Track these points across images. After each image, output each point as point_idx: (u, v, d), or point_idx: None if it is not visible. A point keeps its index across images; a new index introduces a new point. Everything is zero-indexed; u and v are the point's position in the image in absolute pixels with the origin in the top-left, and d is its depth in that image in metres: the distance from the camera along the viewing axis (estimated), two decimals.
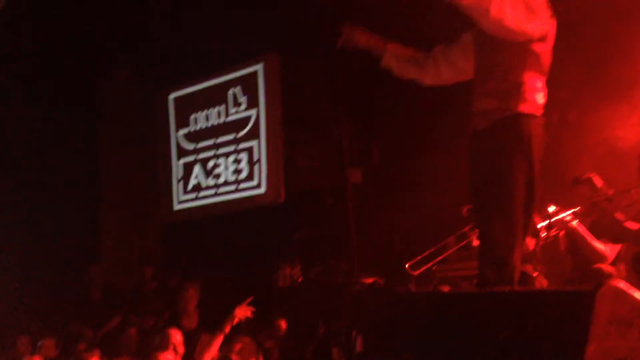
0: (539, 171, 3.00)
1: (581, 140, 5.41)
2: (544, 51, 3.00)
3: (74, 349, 5.42)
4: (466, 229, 4.76)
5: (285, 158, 7.69)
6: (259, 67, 8.03)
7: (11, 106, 8.10)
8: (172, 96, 9.01)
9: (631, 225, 4.15)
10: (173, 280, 7.52)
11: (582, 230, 4.20)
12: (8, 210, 7.86)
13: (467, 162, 3.15)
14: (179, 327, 5.01)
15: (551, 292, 3.08)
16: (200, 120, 8.66)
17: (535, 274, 4.14)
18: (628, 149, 4.98)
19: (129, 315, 6.84)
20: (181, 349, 4.53)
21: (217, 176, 8.42)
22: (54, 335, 5.85)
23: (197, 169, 8.67)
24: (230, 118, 8.33)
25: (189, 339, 4.75)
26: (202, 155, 8.63)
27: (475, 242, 4.31)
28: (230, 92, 8.32)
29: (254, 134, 8.02)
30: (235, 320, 4.11)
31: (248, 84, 8.13)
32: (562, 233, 4.28)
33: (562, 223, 4.13)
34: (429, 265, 4.78)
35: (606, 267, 4.05)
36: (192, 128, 8.78)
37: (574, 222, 4.14)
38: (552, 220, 4.11)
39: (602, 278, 3.75)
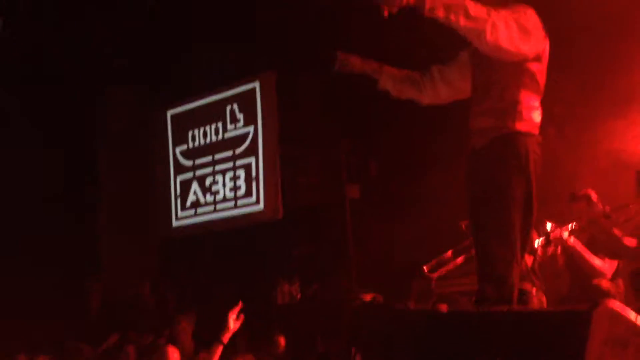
0: (537, 189, 3.02)
1: (578, 156, 5.44)
2: (539, 70, 3.03)
3: None
4: (465, 243, 4.77)
5: (283, 174, 7.71)
6: (256, 84, 8.07)
7: (9, 125, 8.12)
8: (169, 113, 9.05)
9: (629, 241, 4.16)
10: (171, 296, 7.51)
11: (580, 246, 4.21)
12: (6, 225, 7.86)
13: (465, 180, 3.17)
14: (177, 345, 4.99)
15: (547, 312, 3.09)
16: (198, 137, 8.69)
17: (534, 290, 4.15)
18: (625, 164, 5.00)
19: (127, 332, 6.81)
20: None
21: (215, 193, 8.43)
22: (51, 352, 5.81)
23: (195, 185, 8.68)
24: (228, 135, 8.35)
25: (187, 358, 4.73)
26: (200, 172, 8.64)
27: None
28: (228, 109, 8.36)
29: (251, 150, 8.04)
30: (230, 329, 4.07)
31: (245, 101, 8.17)
32: (559, 249, 4.29)
33: (560, 239, 4.14)
34: (446, 268, 4.77)
35: (604, 283, 4.06)
36: (190, 145, 8.80)
37: (571, 239, 4.15)
38: (550, 236, 4.12)
39: (600, 294, 3.76)
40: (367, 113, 7.00)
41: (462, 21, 2.76)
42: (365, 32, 5.48)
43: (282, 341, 5.87)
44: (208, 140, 8.59)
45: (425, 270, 4.77)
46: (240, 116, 8.25)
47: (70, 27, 7.70)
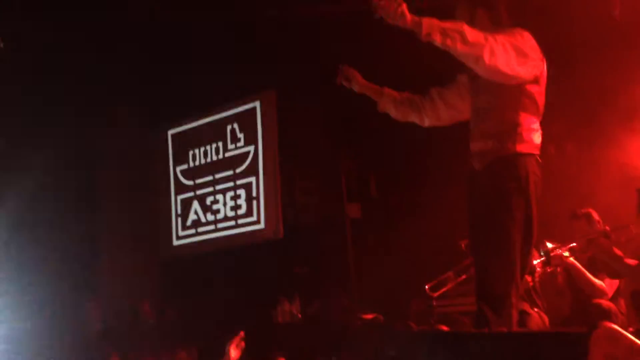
0: (537, 210, 3.03)
1: (578, 174, 5.44)
2: (538, 92, 3.06)
3: None
4: (466, 262, 4.76)
5: (284, 193, 7.71)
6: (256, 104, 8.10)
7: (9, 144, 8.15)
8: (170, 133, 9.08)
9: (630, 261, 4.15)
10: (170, 316, 7.48)
11: (579, 266, 4.20)
12: (5, 247, 7.85)
13: (465, 200, 3.18)
14: None
15: (546, 334, 3.09)
16: (199, 156, 8.71)
17: (535, 311, 4.14)
18: (628, 180, 4.99)
19: (127, 353, 6.78)
20: None
21: (216, 212, 8.43)
22: None
23: (195, 204, 8.69)
24: (229, 154, 8.37)
25: None
26: (200, 191, 8.65)
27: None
28: (229, 128, 8.39)
29: (252, 170, 8.05)
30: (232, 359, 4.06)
31: (246, 121, 8.19)
32: (560, 268, 4.28)
33: (560, 259, 4.14)
34: (447, 287, 4.76)
35: (605, 303, 4.05)
36: (190, 164, 8.82)
37: (571, 258, 4.14)
38: (550, 256, 4.11)
39: (601, 314, 3.75)
40: (367, 132, 7.01)
41: (459, 46, 2.79)
42: (366, 53, 5.52)
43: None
44: (209, 159, 8.60)
45: (427, 290, 4.77)
46: (240, 135, 8.27)
47: (71, 49, 7.75)
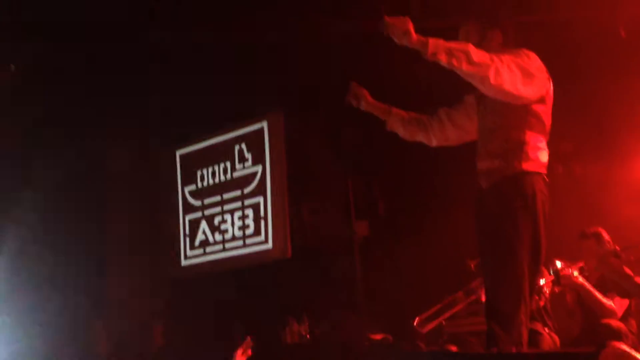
0: (545, 228, 3.03)
1: (587, 193, 5.43)
2: (544, 111, 3.08)
3: None
4: (475, 283, 4.75)
5: (292, 213, 7.72)
6: (264, 124, 8.14)
7: (15, 164, 8.21)
8: (178, 153, 9.13)
9: None
10: (179, 337, 7.45)
11: (588, 285, 4.18)
12: (12, 267, 7.88)
13: (473, 220, 3.19)
14: None
15: (555, 354, 3.07)
16: (207, 176, 8.74)
17: (545, 331, 4.11)
18: (636, 201, 4.98)
19: None
20: None
21: (224, 232, 8.44)
22: None
23: (203, 225, 8.70)
24: (236, 174, 8.40)
25: None
26: (208, 212, 8.67)
27: (484, 298, 4.29)
28: (236, 148, 8.42)
29: (260, 190, 8.07)
30: None
31: (253, 141, 8.23)
32: (569, 288, 4.26)
33: (569, 278, 4.12)
34: (437, 321, 4.74)
35: (615, 323, 4.02)
36: (198, 185, 8.84)
37: (580, 278, 4.12)
38: (559, 275, 4.10)
39: (610, 334, 3.72)
40: (376, 151, 7.04)
41: (465, 66, 2.82)
42: (375, 73, 5.55)
43: None
44: (216, 179, 8.63)
45: (415, 325, 4.74)
46: (248, 156, 8.30)
47: (77, 69, 7.81)
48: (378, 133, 3.71)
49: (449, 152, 3.92)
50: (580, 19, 5.19)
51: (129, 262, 8.83)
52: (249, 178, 8.24)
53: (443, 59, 2.81)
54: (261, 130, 8.21)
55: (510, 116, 3.04)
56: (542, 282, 3.98)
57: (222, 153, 8.60)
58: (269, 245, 7.86)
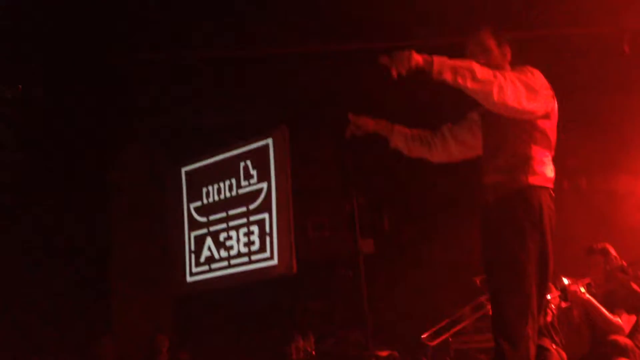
0: (552, 243, 3.02)
1: (594, 209, 5.42)
2: (549, 127, 3.09)
3: None
4: (482, 299, 4.73)
5: (297, 229, 7.72)
6: (269, 141, 8.17)
7: (23, 179, 8.25)
8: (183, 170, 9.16)
9: None
10: (184, 355, 7.43)
11: (596, 301, 4.16)
12: (14, 282, 7.90)
13: (479, 234, 3.18)
14: None
15: None
16: (212, 193, 8.76)
17: (553, 347, 4.09)
18: None
19: None
20: None
21: (230, 248, 8.44)
22: None
23: (209, 241, 8.71)
24: (242, 191, 8.42)
25: None
26: (214, 228, 8.68)
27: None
28: (242, 165, 8.45)
29: (265, 206, 8.08)
30: None
31: (258, 158, 8.25)
32: (576, 304, 4.24)
33: (576, 294, 4.10)
34: (444, 336, 4.72)
35: (622, 339, 3.99)
36: (204, 201, 8.87)
37: (587, 294, 4.10)
38: (567, 291, 4.08)
39: (617, 350, 3.70)
40: (380, 168, 7.05)
41: (470, 84, 2.85)
42: (378, 90, 5.58)
43: None
44: (222, 196, 8.65)
45: (422, 338, 4.73)
46: (253, 172, 8.32)
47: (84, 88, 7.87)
48: (382, 150, 3.71)
49: (453, 168, 3.93)
50: (585, 35, 5.22)
51: (135, 279, 8.83)
52: (255, 194, 8.26)
53: (448, 78, 2.84)
54: (266, 146, 8.24)
55: (516, 131, 3.05)
56: (548, 297, 3.96)
57: (228, 170, 8.62)
58: (275, 261, 7.85)
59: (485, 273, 3.22)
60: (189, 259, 8.91)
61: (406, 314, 6.33)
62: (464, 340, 4.96)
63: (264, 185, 8.14)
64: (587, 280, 4.13)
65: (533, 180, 3.03)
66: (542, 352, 3.64)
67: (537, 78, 3.03)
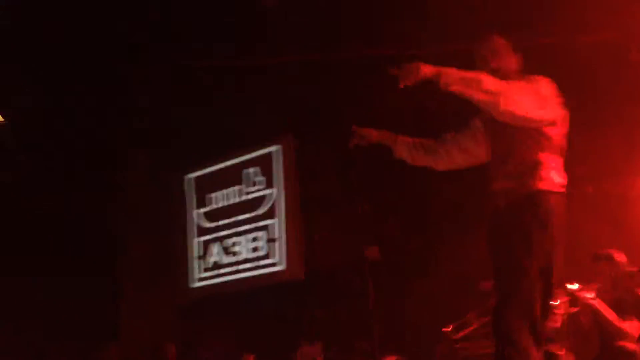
0: (560, 248, 3.03)
1: (602, 215, 5.42)
2: (558, 134, 3.10)
3: None
4: (489, 304, 4.73)
5: (304, 235, 7.74)
6: (276, 147, 8.21)
7: (31, 187, 8.30)
8: (190, 176, 9.19)
9: None
10: None
11: (603, 307, 4.16)
12: (25, 289, 7.93)
13: (486, 239, 3.19)
14: None
15: None
16: (219, 199, 8.80)
17: (563, 352, 4.08)
18: None
19: None
20: None
21: (237, 254, 8.47)
22: None
23: (216, 247, 8.74)
24: (248, 197, 8.46)
25: None
26: (221, 234, 8.71)
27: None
28: (248, 172, 8.49)
29: (271, 212, 8.12)
30: None
31: (265, 164, 8.30)
32: (584, 310, 4.24)
33: (584, 300, 4.10)
34: (470, 329, 4.71)
35: (631, 345, 3.99)
36: (210, 207, 8.90)
37: (596, 300, 4.10)
38: (575, 297, 4.08)
39: (626, 356, 3.70)
40: (386, 174, 7.06)
41: (477, 95, 2.89)
42: (382, 97, 5.60)
43: None
44: (229, 202, 8.69)
45: (448, 332, 4.73)
46: (260, 179, 8.36)
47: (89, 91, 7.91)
48: (388, 157, 3.73)
49: (459, 174, 3.95)
50: (592, 42, 5.24)
51: (142, 284, 8.85)
52: (261, 201, 8.29)
53: (456, 89, 2.88)
54: (273, 153, 8.28)
55: (524, 139, 3.06)
56: (557, 303, 3.96)
57: (235, 176, 8.66)
58: (282, 267, 7.88)
59: (493, 278, 3.23)
60: (196, 264, 8.94)
61: (412, 320, 6.33)
62: (471, 346, 4.95)
63: (271, 191, 8.18)
64: (595, 286, 4.13)
65: (542, 185, 3.04)
66: (550, 357, 3.64)
67: (545, 86, 3.06)
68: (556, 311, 4.03)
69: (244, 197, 8.52)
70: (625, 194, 5.31)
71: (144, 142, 8.92)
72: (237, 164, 8.67)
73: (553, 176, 3.08)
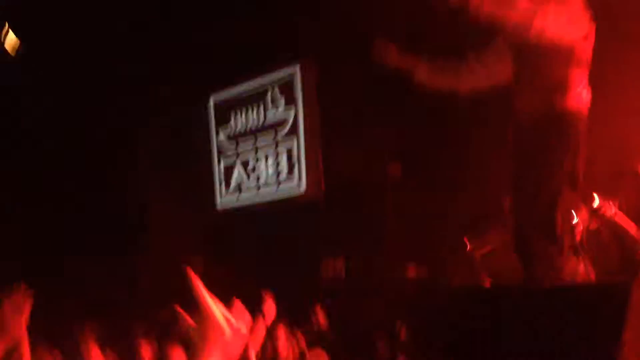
0: (583, 165, 3.03)
1: (628, 131, 5.34)
2: (586, 48, 3.03)
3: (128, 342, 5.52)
4: (508, 219, 4.76)
5: (325, 155, 7.78)
6: (296, 68, 8.14)
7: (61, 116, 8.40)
8: (212, 99, 9.19)
9: None
10: (218, 274, 7.65)
11: (624, 221, 4.18)
12: (53, 214, 8.17)
13: (510, 157, 3.19)
14: None
15: (589, 285, 3.11)
16: (240, 121, 8.83)
17: (581, 265, 4.13)
18: None
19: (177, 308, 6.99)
20: None
21: (258, 175, 8.57)
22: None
23: (238, 168, 8.84)
24: (269, 119, 8.47)
25: None
26: (242, 155, 8.79)
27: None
28: (269, 93, 8.46)
29: (293, 133, 8.14)
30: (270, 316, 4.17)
31: (286, 85, 8.26)
32: (606, 224, 4.26)
33: (606, 214, 4.12)
34: (490, 244, 4.79)
35: None
36: (232, 129, 8.94)
37: (617, 214, 4.12)
38: (596, 211, 4.10)
39: None
40: (408, 88, 6.98)
41: (509, 14, 2.85)
42: (404, 19, 5.47)
43: (322, 316, 5.93)
44: (250, 124, 8.72)
45: (468, 246, 4.80)
46: (281, 100, 8.34)
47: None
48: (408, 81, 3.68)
49: (482, 92, 3.89)
50: None
51: (167, 207, 9.04)
52: (282, 122, 8.30)
53: (487, 10, 2.82)
54: (294, 74, 8.22)
55: (554, 55, 3.01)
56: (576, 219, 3.99)
57: (255, 98, 8.65)
58: (303, 187, 7.97)
59: (515, 194, 3.26)
60: (218, 186, 9.07)
61: (433, 235, 6.40)
62: (491, 260, 5.01)
63: (292, 112, 8.17)
64: (617, 200, 4.14)
65: (570, 103, 3.01)
66: (568, 270, 3.69)
67: (576, 2, 2.98)
68: (576, 226, 4.07)
69: (265, 118, 8.53)
70: None
71: (166, 66, 8.88)
72: (258, 85, 8.63)
73: (581, 94, 3.04)
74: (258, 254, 7.95)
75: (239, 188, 8.86)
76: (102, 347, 4.38)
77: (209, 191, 9.12)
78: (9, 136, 8.32)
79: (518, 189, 3.18)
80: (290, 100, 8.22)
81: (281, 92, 8.36)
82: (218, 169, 9.11)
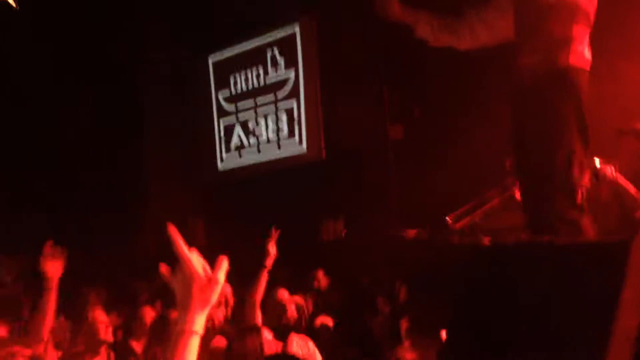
0: (588, 124, 3.02)
1: (629, 91, 5.32)
2: (591, 5, 2.98)
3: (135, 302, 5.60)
4: (509, 180, 4.77)
5: (326, 116, 7.75)
6: (296, 28, 8.05)
7: (57, 79, 8.34)
8: (211, 59, 9.11)
9: None
10: (219, 236, 7.72)
11: (624, 181, 4.19)
12: (57, 174, 8.19)
13: (513, 117, 3.17)
14: None
15: (588, 243, 3.11)
16: (240, 82, 8.77)
17: (583, 222, 4.15)
18: None
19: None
20: (231, 301, 4.68)
21: (259, 136, 8.56)
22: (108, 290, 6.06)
23: (238, 129, 8.83)
24: (269, 79, 8.42)
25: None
26: (243, 116, 8.77)
27: (519, 196, 4.33)
28: (269, 53, 8.39)
29: (293, 94, 8.10)
30: (271, 254, 4.20)
31: (286, 45, 8.19)
32: (606, 184, 4.27)
33: (606, 174, 4.13)
34: (471, 217, 4.82)
35: None
36: (232, 90, 8.90)
37: (617, 174, 4.13)
38: (597, 172, 4.11)
39: None
40: (410, 52, 6.93)
41: None
42: None
43: (322, 277, 5.99)
44: (250, 84, 8.66)
45: (448, 219, 4.81)
46: (281, 60, 8.28)
47: None
48: (410, 38, 3.64)
49: (487, 50, 3.86)
50: None
51: (169, 166, 9.06)
52: (282, 82, 8.25)
53: None
54: (293, 34, 8.13)
55: (558, 10, 2.96)
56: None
57: (255, 58, 8.59)
58: (303, 147, 7.96)
59: (518, 154, 3.24)
60: (219, 147, 9.07)
61: (433, 197, 6.42)
62: (492, 220, 5.05)
63: (292, 72, 8.11)
64: (617, 161, 4.14)
65: (572, 60, 2.97)
66: (570, 226, 3.71)
67: None
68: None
69: (264, 79, 8.47)
70: None
71: (166, 27, 8.79)
72: (258, 46, 8.55)
73: (584, 51, 3.01)
74: (258, 213, 7.98)
75: (239, 148, 8.86)
76: (108, 310, 4.43)
77: (210, 151, 9.12)
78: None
79: (528, 147, 3.15)
80: (290, 61, 8.16)
81: (281, 53, 8.28)
82: (218, 129, 9.09)
